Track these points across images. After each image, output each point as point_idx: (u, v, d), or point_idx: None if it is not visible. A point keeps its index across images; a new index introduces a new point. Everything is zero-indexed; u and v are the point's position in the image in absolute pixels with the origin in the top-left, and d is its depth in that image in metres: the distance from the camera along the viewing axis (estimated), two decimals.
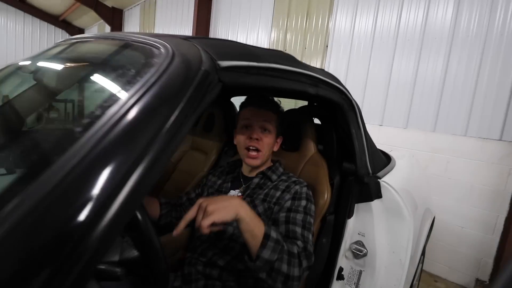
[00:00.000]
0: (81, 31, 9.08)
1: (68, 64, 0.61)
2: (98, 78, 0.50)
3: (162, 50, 0.47)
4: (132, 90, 0.39)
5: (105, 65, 0.54)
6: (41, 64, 0.68)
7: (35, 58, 0.70)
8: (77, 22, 8.83)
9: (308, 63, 1.01)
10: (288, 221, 0.84)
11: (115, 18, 7.16)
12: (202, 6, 4.47)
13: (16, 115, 0.60)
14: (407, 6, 2.55)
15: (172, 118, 0.38)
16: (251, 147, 0.93)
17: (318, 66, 2.89)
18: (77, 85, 0.56)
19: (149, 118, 0.37)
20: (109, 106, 0.37)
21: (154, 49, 0.49)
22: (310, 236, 0.84)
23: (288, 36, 3.56)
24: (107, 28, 7.35)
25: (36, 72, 0.64)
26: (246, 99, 0.99)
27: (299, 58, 0.93)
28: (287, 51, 1.49)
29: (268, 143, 0.95)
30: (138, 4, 6.68)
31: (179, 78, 0.42)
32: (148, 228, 0.57)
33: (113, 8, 7.12)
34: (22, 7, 7.70)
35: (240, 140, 0.95)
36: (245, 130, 0.95)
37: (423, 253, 1.52)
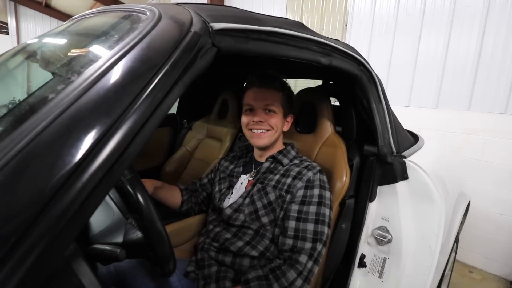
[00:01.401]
0: None
1: (57, 40, 0.61)
2: (79, 48, 0.47)
3: (149, 14, 0.43)
4: (110, 53, 0.35)
5: (90, 36, 0.52)
6: (39, 41, 0.69)
7: (40, 37, 0.71)
8: None
9: None
10: (300, 218, 0.81)
11: None
12: None
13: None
14: None
15: (155, 81, 0.34)
16: (254, 130, 0.89)
17: None
18: (59, 57, 0.54)
19: (127, 81, 0.33)
20: (84, 72, 0.33)
21: (142, 15, 0.45)
22: (325, 229, 0.81)
23: (304, 18, 3.41)
24: None
25: (34, 48, 0.66)
26: (247, 80, 0.93)
27: None
28: None
29: (275, 123, 0.90)
30: (153, 1, 6.77)
31: (163, 40, 0.38)
32: (149, 210, 0.54)
33: None
34: (48, 12, 8.06)
35: (244, 121, 0.92)
36: (249, 112, 0.91)
37: (456, 241, 1.40)
